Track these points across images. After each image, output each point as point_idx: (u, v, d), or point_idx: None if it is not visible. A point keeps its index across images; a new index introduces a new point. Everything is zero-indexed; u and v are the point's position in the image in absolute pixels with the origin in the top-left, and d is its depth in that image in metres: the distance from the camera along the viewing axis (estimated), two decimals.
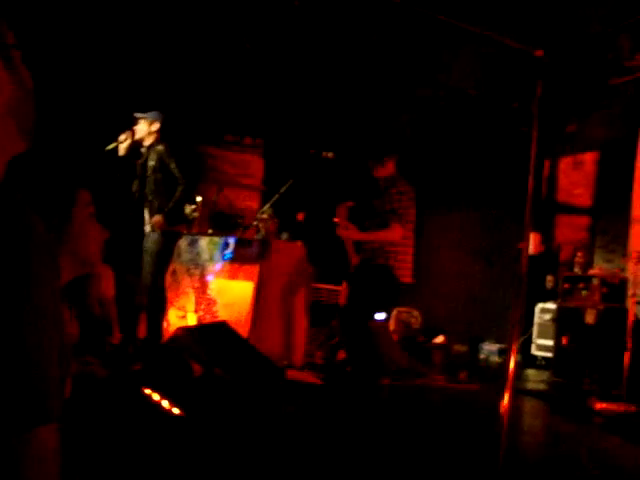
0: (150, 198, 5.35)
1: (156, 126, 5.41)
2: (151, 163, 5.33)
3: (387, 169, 4.71)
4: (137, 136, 5.36)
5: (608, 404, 5.24)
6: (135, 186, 5.45)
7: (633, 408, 5.18)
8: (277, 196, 6.01)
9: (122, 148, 5.31)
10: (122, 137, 5.31)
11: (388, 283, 4.61)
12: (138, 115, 5.39)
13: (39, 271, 0.94)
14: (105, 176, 5.39)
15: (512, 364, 2.78)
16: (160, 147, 5.34)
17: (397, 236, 4.52)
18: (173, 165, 5.30)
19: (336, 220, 4.71)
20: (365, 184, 4.96)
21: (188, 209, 5.98)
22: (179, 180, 5.29)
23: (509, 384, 2.76)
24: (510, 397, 2.76)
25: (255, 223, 6.60)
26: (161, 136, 5.43)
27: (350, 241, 4.83)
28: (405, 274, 4.65)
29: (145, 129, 5.38)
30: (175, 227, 5.40)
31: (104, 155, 5.31)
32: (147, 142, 5.42)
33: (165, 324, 6.00)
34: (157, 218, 5.23)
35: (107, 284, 5.32)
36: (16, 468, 0.87)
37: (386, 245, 4.58)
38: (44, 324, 0.94)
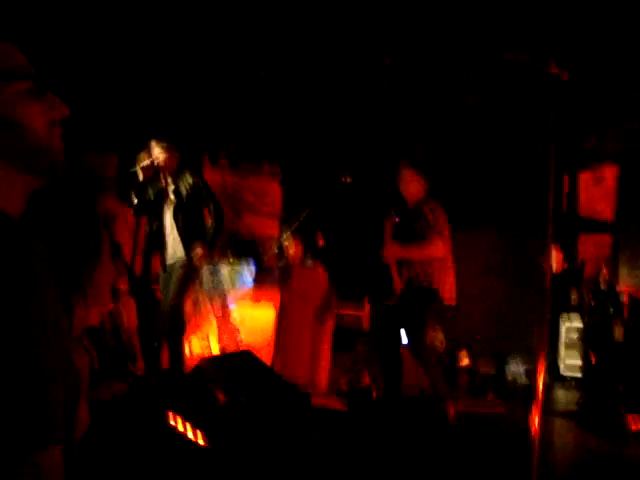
0: (179, 228, 5.20)
1: (177, 155, 5.32)
2: (182, 193, 5.20)
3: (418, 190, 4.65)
4: (158, 161, 5.17)
5: None
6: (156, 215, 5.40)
7: None
8: (297, 222, 6.01)
9: (143, 171, 5.12)
10: (144, 161, 5.12)
11: (434, 305, 4.49)
12: (154, 141, 5.26)
13: (39, 291, 0.96)
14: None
15: (540, 383, 2.72)
16: (192, 179, 5.25)
17: (439, 251, 4.33)
18: (209, 198, 5.26)
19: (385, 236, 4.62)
20: (394, 203, 4.87)
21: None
22: (213, 213, 5.24)
23: (539, 404, 2.70)
24: (540, 418, 2.70)
25: (276, 251, 6.59)
26: (183, 166, 5.36)
27: (394, 264, 4.68)
28: (448, 296, 4.52)
29: (167, 156, 5.24)
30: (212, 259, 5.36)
31: (126, 177, 5.20)
32: (168, 170, 5.30)
33: (188, 353, 5.99)
34: (200, 251, 5.13)
35: (130, 315, 5.33)
36: None
37: (429, 263, 4.42)
38: (46, 344, 0.94)
